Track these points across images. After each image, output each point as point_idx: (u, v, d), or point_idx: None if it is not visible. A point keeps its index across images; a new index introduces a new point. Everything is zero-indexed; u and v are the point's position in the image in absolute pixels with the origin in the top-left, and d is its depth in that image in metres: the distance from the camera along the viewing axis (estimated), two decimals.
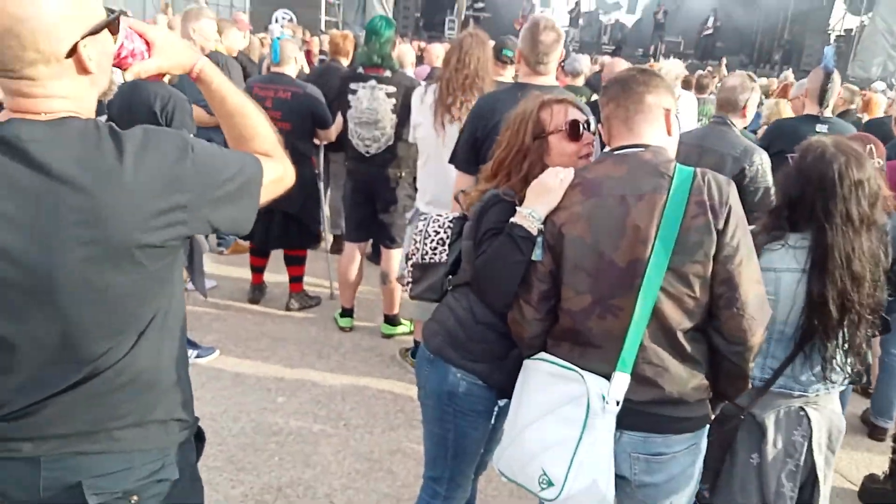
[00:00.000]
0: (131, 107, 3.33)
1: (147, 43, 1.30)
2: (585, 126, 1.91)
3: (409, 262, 2.18)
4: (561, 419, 1.65)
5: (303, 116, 4.17)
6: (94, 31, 1.17)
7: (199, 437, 1.51)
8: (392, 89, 3.88)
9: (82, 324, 1.19)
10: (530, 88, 2.68)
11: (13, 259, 1.13)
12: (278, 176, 1.40)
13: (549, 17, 2.81)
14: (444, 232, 2.10)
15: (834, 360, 1.91)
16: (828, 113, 3.71)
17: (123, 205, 1.14)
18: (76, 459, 1.27)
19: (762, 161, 3.02)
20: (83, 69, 1.17)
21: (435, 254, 2.10)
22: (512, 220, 1.75)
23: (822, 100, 3.63)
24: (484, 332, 1.92)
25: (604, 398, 1.61)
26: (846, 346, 1.90)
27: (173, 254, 1.27)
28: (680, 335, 1.62)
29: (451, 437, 1.99)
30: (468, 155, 2.84)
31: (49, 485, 1.26)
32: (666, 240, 1.56)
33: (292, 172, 1.44)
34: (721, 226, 1.57)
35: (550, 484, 1.64)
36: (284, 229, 4.34)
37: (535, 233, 1.71)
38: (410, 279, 2.18)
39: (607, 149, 1.78)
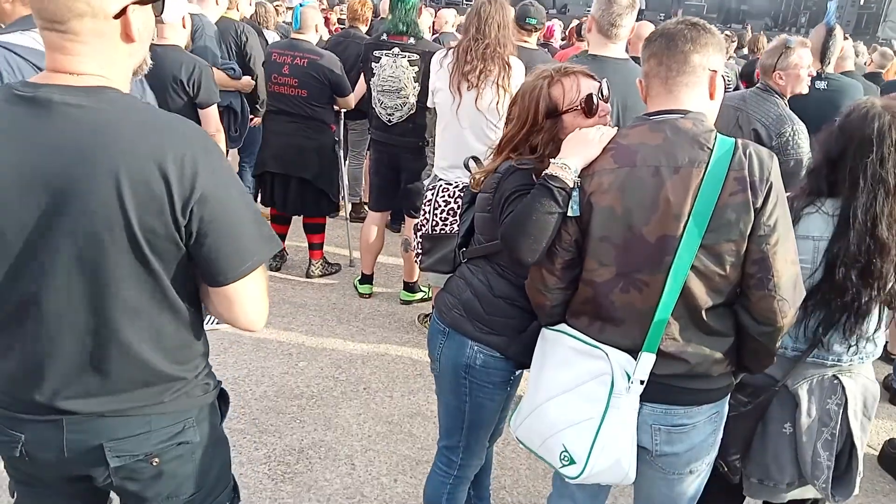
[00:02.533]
0: (158, 75, 3.34)
1: None
2: (600, 95, 1.81)
3: (419, 234, 2.12)
4: (584, 396, 1.63)
5: (320, 83, 4.16)
6: (143, 1, 1.20)
7: (223, 399, 1.52)
8: (415, 57, 3.84)
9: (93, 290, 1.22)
10: (602, 62, 2.61)
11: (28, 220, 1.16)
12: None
13: None
14: (455, 202, 2.02)
15: (860, 330, 1.84)
16: (829, 69, 3.61)
17: None
18: (96, 422, 1.29)
19: (794, 132, 2.89)
20: (127, 35, 1.19)
21: (446, 224, 2.03)
22: (546, 171, 1.64)
23: (822, 57, 3.52)
24: (502, 306, 1.88)
25: (629, 377, 1.58)
26: (876, 317, 1.84)
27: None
28: (704, 313, 1.58)
29: (467, 408, 1.98)
30: None
31: (72, 446, 1.29)
32: (700, 217, 1.49)
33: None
34: (760, 204, 1.49)
35: (572, 461, 1.63)
36: (300, 195, 4.37)
37: (570, 185, 1.61)
38: (420, 250, 2.11)
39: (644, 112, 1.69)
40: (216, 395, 1.48)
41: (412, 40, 3.86)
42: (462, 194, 2.04)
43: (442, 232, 2.01)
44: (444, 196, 2.03)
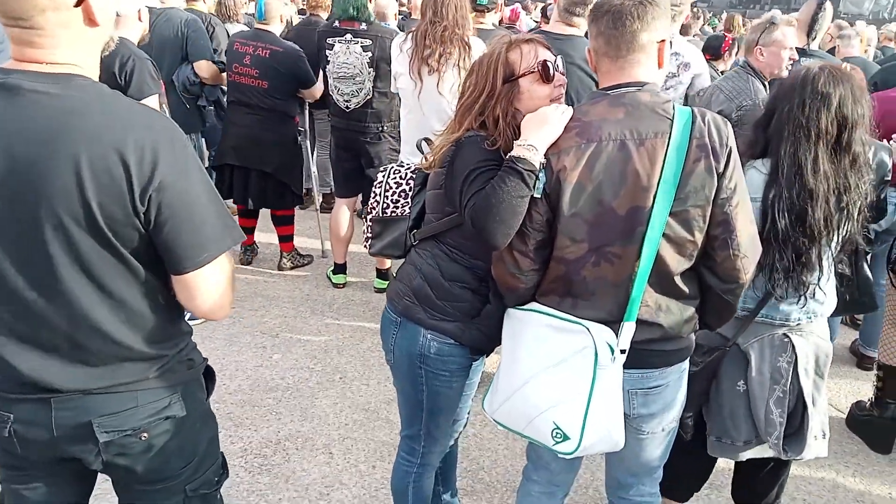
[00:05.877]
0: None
1: None
2: (555, 66, 1.78)
3: (369, 217, 2.05)
4: (568, 372, 1.64)
5: (281, 75, 4.11)
6: None
7: (208, 377, 1.56)
8: (367, 42, 3.83)
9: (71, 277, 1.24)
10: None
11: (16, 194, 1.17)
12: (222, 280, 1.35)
13: None
14: (406, 183, 1.97)
15: (805, 280, 1.88)
16: (815, 46, 3.64)
17: None
18: (83, 399, 1.32)
19: (755, 105, 2.87)
20: (90, 20, 1.21)
21: (397, 207, 1.97)
22: (512, 154, 1.61)
23: (810, 30, 3.53)
24: (454, 290, 1.84)
25: (611, 349, 1.60)
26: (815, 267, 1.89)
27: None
28: (677, 278, 1.63)
29: (424, 397, 1.95)
30: None
31: (61, 423, 1.32)
32: (668, 185, 1.53)
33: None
34: (722, 168, 1.54)
35: (566, 437, 1.63)
36: (262, 189, 4.32)
37: (538, 166, 1.59)
38: (370, 234, 2.06)
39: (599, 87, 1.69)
40: (202, 370, 1.52)
41: (363, 25, 3.85)
42: (414, 176, 1.98)
43: (393, 214, 1.96)
44: (395, 178, 1.98)
